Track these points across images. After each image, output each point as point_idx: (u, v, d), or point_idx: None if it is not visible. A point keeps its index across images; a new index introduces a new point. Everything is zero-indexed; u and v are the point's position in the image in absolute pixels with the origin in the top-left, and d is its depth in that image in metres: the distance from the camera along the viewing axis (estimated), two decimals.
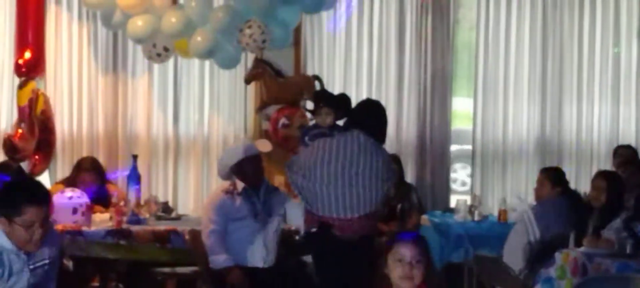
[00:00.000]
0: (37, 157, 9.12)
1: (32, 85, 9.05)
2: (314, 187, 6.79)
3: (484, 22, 10.20)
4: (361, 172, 6.77)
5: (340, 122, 7.11)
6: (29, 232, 4.61)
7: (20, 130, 8.93)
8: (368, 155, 6.81)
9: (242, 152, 7.19)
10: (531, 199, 8.57)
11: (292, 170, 6.94)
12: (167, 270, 7.97)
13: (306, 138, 7.15)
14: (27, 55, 9.00)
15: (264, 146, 7.73)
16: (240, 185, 7.17)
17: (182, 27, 8.86)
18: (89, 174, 8.54)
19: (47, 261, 4.83)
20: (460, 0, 10.40)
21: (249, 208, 7.14)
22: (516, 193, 9.37)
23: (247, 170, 7.16)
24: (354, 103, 7.47)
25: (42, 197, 4.72)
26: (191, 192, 9.81)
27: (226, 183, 7.24)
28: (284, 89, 8.99)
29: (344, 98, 7.42)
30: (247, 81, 9.13)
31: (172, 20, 8.85)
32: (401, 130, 10.03)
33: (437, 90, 10.10)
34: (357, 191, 6.77)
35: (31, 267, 4.74)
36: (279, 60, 9.18)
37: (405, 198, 8.84)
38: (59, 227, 7.07)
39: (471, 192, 9.95)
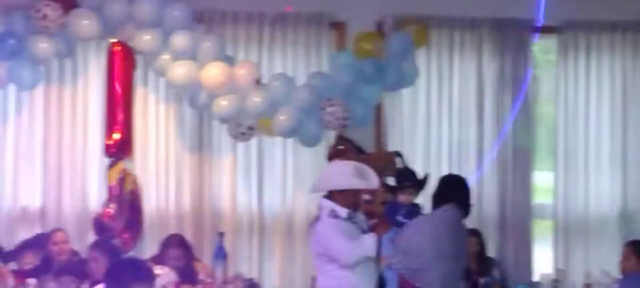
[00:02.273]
0: (126, 235, 9.26)
1: (121, 165, 9.20)
2: (422, 261, 6.86)
3: (563, 95, 10.22)
4: (459, 247, 6.87)
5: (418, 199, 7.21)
6: None
7: (110, 210, 9.08)
8: (462, 230, 6.91)
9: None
10: (616, 273, 8.52)
11: (392, 245, 7.00)
12: None
13: (399, 216, 7.23)
14: (116, 136, 9.15)
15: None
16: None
17: (266, 107, 9.06)
18: (176, 251, 8.71)
19: None
20: (539, 74, 10.45)
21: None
22: (600, 267, 9.30)
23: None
24: (435, 179, 7.54)
25: (150, 276, 4.91)
26: (276, 269, 9.90)
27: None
28: (365, 164, 9.07)
29: (426, 177, 7.53)
30: (330, 158, 9.23)
31: (256, 99, 9.04)
32: (482, 204, 10.05)
33: (517, 164, 10.12)
34: (459, 266, 6.87)
35: None
36: (361, 137, 9.30)
37: (488, 273, 8.85)
38: None
39: (554, 266, 9.90)
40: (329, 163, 7.39)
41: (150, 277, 4.86)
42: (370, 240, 6.79)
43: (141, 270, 4.90)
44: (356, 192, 6.87)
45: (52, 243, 8.74)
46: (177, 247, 8.83)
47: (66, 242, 8.78)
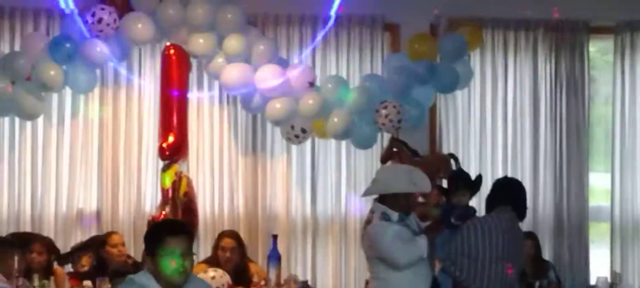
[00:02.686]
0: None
1: (175, 168, 9.21)
2: (477, 264, 6.82)
3: (620, 96, 10.13)
4: (515, 250, 6.82)
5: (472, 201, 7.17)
6: (174, 263, 4.78)
7: (164, 212, 9.08)
8: (517, 233, 6.87)
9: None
10: None
11: (446, 247, 6.96)
12: None
13: (452, 218, 7.19)
14: (171, 138, 9.19)
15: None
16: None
17: (319, 109, 9.06)
18: (230, 239, 8.80)
19: None
20: (595, 75, 10.36)
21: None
22: None
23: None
24: (489, 181, 7.50)
25: (181, 227, 4.96)
26: (330, 271, 9.90)
27: None
28: (419, 167, 9.03)
29: (478, 178, 7.49)
30: (383, 160, 9.21)
31: (309, 102, 9.04)
32: (537, 207, 9.98)
33: (573, 166, 10.05)
34: (514, 269, 6.83)
35: None
36: (415, 139, 9.27)
37: (544, 275, 8.78)
38: None
39: (611, 269, 9.80)
40: (381, 167, 7.36)
41: (184, 229, 4.99)
42: (422, 242, 6.77)
43: (174, 224, 5.14)
44: (408, 195, 6.84)
45: (107, 246, 8.79)
46: (229, 236, 8.90)
47: (121, 245, 8.82)
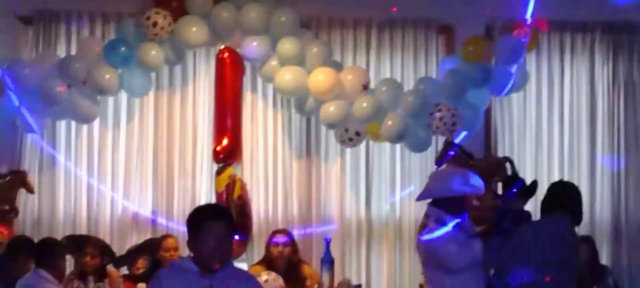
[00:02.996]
0: (234, 241, 9.30)
1: (229, 171, 9.25)
2: (531, 271, 6.76)
3: None
4: (569, 256, 6.74)
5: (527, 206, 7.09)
6: (214, 245, 4.85)
7: None
8: (572, 238, 6.78)
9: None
10: None
11: (498, 253, 6.90)
12: None
13: (505, 223, 7.11)
14: (225, 142, 9.22)
15: None
16: None
17: (373, 112, 9.03)
18: (282, 236, 8.81)
19: None
20: None
21: None
22: None
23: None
24: (545, 185, 7.40)
25: (221, 211, 5.10)
26: (384, 275, 9.86)
27: None
28: (474, 170, 8.96)
29: (534, 184, 7.40)
30: (438, 163, 9.17)
31: (363, 105, 9.02)
32: (595, 211, 9.88)
33: (631, 169, 9.92)
34: (570, 275, 6.74)
35: None
36: (470, 142, 9.20)
37: (601, 281, 8.66)
38: None
39: None
40: (435, 170, 7.31)
41: (223, 213, 5.12)
42: (477, 245, 6.72)
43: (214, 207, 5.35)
44: (463, 198, 6.79)
45: (162, 249, 8.83)
46: (281, 232, 8.93)
47: (176, 249, 8.85)
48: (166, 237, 9.03)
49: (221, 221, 4.94)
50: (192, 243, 4.96)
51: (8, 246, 8.03)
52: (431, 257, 6.80)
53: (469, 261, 6.68)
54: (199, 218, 4.99)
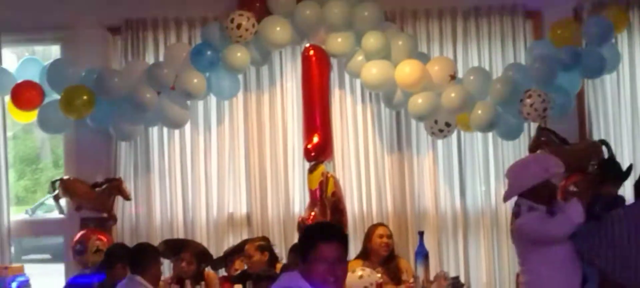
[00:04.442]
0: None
1: (321, 168, 9.24)
2: (623, 255, 6.62)
3: None
4: None
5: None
6: (327, 269, 4.68)
7: (313, 213, 9.11)
8: None
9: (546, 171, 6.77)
10: None
11: (591, 239, 6.76)
12: None
13: (597, 207, 6.97)
14: (315, 139, 9.22)
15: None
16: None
17: (462, 102, 8.94)
18: (383, 228, 8.79)
19: None
20: None
21: None
22: None
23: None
24: None
25: (335, 234, 4.83)
26: (483, 266, 9.76)
27: None
28: (570, 156, 8.81)
29: (629, 168, 7.24)
30: (532, 150, 9.05)
31: (451, 95, 8.94)
32: None
33: None
34: None
35: None
36: (563, 127, 9.05)
37: None
38: None
39: None
40: (509, 166, 7.19)
41: (338, 236, 4.86)
42: (575, 207, 6.56)
43: (329, 229, 4.99)
44: (546, 183, 6.65)
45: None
46: (383, 225, 8.93)
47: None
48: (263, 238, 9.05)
49: (334, 243, 4.76)
50: (302, 263, 4.80)
51: (105, 255, 8.15)
52: (526, 238, 6.68)
53: (569, 226, 6.51)
54: (310, 240, 4.80)
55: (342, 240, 4.82)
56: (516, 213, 6.89)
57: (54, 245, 14.36)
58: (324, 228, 5.08)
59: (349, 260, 8.86)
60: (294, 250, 8.12)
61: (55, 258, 13.86)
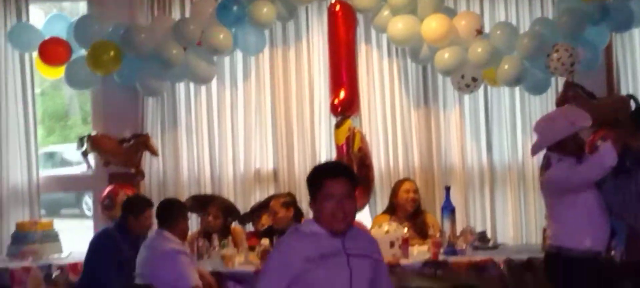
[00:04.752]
0: (357, 193, 9.28)
1: (348, 123, 9.23)
2: None
3: None
4: None
5: None
6: (335, 206, 4.67)
7: None
8: None
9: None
10: None
11: (620, 193, 6.75)
12: None
13: (627, 162, 6.93)
14: (342, 94, 9.20)
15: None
16: None
17: (489, 57, 8.90)
18: (409, 183, 8.82)
19: (365, 254, 4.82)
20: None
21: None
22: None
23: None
24: None
25: (341, 170, 4.82)
26: (510, 220, 9.75)
27: None
28: (597, 111, 8.75)
29: None
30: (559, 104, 9.01)
31: (478, 50, 8.90)
32: None
33: None
34: None
35: (348, 251, 4.73)
36: (591, 82, 9.00)
37: None
38: None
39: None
40: (536, 121, 7.17)
41: (344, 172, 4.85)
42: (608, 149, 6.52)
43: (333, 166, 5.03)
44: (573, 137, 6.64)
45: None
46: (409, 180, 8.96)
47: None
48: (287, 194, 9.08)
49: (341, 180, 4.73)
50: (313, 204, 4.77)
51: (124, 206, 8.19)
52: (556, 187, 6.67)
53: (604, 163, 6.47)
54: (317, 179, 4.78)
55: (349, 176, 4.80)
56: (546, 166, 6.87)
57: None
58: (330, 165, 5.06)
59: (376, 216, 9.00)
60: None
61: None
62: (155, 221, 7.79)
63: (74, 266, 8.24)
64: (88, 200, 16.22)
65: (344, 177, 4.75)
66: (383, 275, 4.95)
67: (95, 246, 7.97)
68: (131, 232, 7.91)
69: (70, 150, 17.30)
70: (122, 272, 7.68)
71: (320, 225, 4.73)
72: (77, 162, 13.67)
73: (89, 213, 14.36)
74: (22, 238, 8.88)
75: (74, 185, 11.31)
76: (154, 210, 7.96)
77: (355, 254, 4.75)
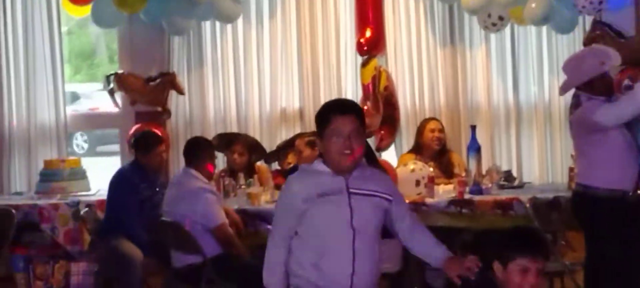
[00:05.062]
0: (382, 132, 9.35)
1: (374, 62, 9.23)
2: None
3: None
4: None
5: None
6: (343, 143, 4.61)
7: (366, 107, 9.09)
8: None
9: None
10: None
11: None
12: None
13: None
14: (368, 33, 9.19)
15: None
16: None
17: None
18: (435, 122, 8.87)
19: (371, 193, 4.75)
20: None
21: None
22: None
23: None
24: None
25: (349, 107, 4.75)
26: (535, 160, 9.75)
27: None
28: (625, 49, 8.67)
29: None
30: (587, 44, 8.94)
31: None
32: None
33: None
34: None
35: (351, 190, 4.69)
36: (619, 20, 8.92)
37: None
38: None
39: None
40: (565, 59, 7.12)
41: (351, 108, 4.78)
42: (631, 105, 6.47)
43: (341, 102, 5.02)
44: (602, 76, 6.60)
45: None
46: (435, 119, 9.02)
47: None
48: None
49: (349, 116, 4.66)
50: (320, 142, 4.72)
51: (134, 144, 8.24)
52: (586, 125, 6.63)
53: (632, 110, 6.43)
54: (324, 115, 4.71)
55: (357, 113, 4.72)
56: (575, 104, 6.85)
57: None
58: (339, 102, 5.03)
59: (401, 155, 9.01)
60: None
61: None
62: (165, 156, 7.94)
63: (101, 203, 8.29)
64: None
65: (352, 114, 4.68)
66: (401, 212, 4.91)
67: (112, 186, 8.03)
68: (145, 169, 7.96)
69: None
70: (143, 210, 7.75)
71: (326, 164, 4.70)
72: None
73: None
74: (50, 175, 8.96)
75: (101, 123, 11.37)
76: (163, 146, 8.05)
77: (358, 193, 4.71)
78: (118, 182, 7.98)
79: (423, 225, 5.00)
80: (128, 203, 7.80)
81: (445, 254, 4.80)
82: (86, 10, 9.32)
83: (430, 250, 4.86)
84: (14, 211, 8.11)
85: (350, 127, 4.64)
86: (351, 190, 4.70)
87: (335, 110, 4.70)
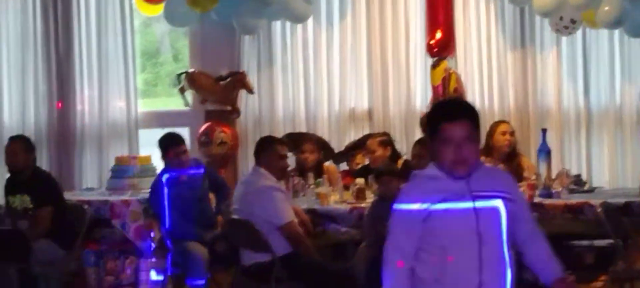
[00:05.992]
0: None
1: (444, 64, 9.21)
2: None
3: None
4: None
5: None
6: (453, 151, 4.17)
7: None
8: None
9: None
10: None
11: None
12: (584, 243, 7.90)
13: None
14: (438, 35, 9.18)
15: None
16: None
17: None
18: (506, 125, 8.66)
19: (495, 194, 4.29)
20: None
21: None
22: None
23: None
24: None
25: (461, 112, 4.34)
26: (606, 164, 9.67)
27: None
28: None
29: None
30: None
31: None
32: None
33: None
34: None
35: (474, 193, 4.25)
36: None
37: None
38: None
39: None
40: None
41: (462, 114, 4.33)
42: None
43: (450, 108, 4.45)
44: None
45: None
46: (506, 122, 8.85)
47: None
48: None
49: (459, 123, 4.22)
50: (431, 145, 4.32)
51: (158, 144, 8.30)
52: None
53: None
54: (434, 121, 4.31)
55: (469, 118, 4.30)
56: None
57: None
58: (448, 106, 4.55)
59: None
60: (418, 144, 8.13)
61: None
62: (186, 156, 7.96)
63: None
64: None
65: (463, 119, 4.27)
66: (524, 214, 4.45)
67: (152, 192, 8.12)
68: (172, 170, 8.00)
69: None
70: (175, 207, 7.85)
71: (440, 169, 4.30)
72: None
73: None
74: (121, 172, 9.04)
75: (171, 121, 11.42)
76: (183, 146, 8.02)
77: (482, 195, 4.29)
78: (154, 189, 8.05)
79: (542, 232, 4.48)
80: (166, 207, 7.87)
81: (558, 273, 4.40)
82: (159, 9, 9.40)
83: (544, 264, 4.43)
84: (86, 207, 8.21)
85: (461, 135, 4.22)
86: (474, 192, 4.29)
87: (444, 116, 4.30)
